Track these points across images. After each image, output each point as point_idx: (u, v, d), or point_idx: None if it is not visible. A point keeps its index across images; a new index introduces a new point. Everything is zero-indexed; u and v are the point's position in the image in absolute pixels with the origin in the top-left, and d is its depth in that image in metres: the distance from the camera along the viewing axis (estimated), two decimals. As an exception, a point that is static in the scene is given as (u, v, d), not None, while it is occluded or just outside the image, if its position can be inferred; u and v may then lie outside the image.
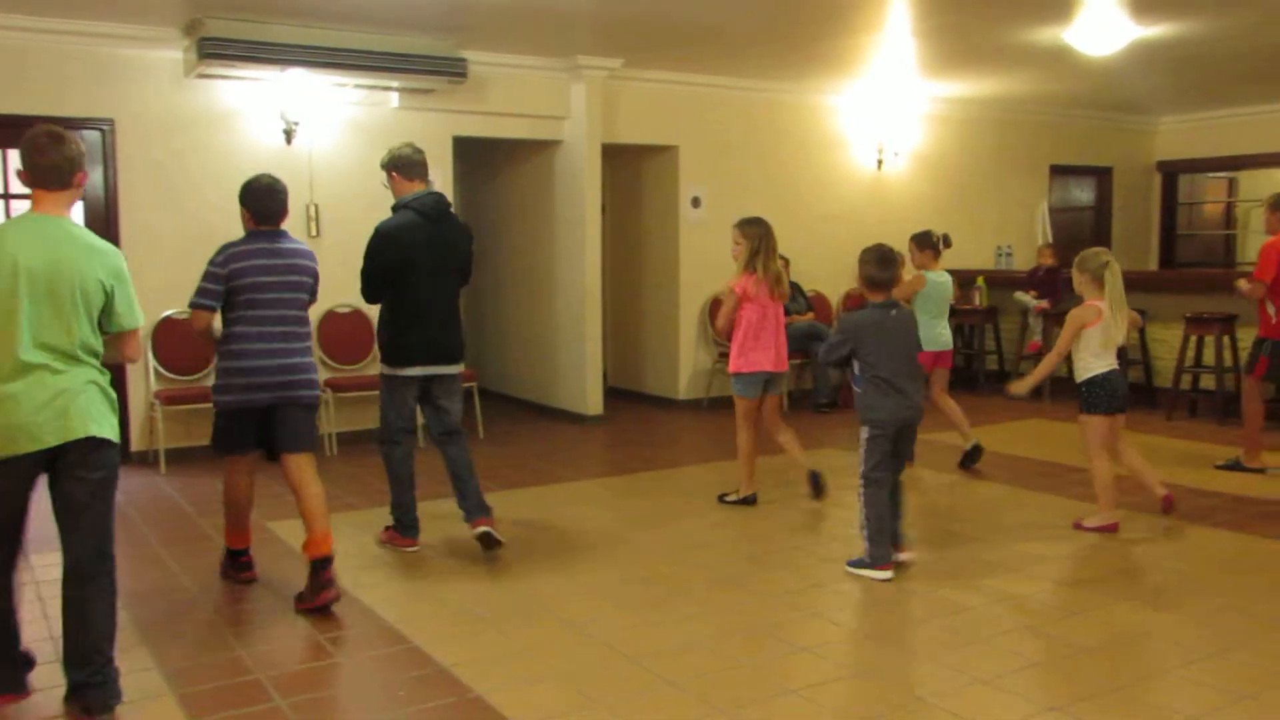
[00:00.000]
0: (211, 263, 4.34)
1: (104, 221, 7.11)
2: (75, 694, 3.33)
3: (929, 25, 7.53)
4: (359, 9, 6.81)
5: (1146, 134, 12.92)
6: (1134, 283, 6.39)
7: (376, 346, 5.80)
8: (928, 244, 6.78)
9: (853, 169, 10.54)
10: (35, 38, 6.88)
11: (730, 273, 10.07)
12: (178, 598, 4.60)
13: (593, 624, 4.19)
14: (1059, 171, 12.31)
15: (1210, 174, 13.30)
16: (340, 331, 7.95)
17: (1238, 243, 13.30)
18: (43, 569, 4.78)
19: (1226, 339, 8.42)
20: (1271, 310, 6.50)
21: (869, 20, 7.39)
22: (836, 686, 3.62)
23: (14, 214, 4.96)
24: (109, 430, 3.32)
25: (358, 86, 7.74)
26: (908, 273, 6.59)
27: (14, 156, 4.47)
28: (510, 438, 8.12)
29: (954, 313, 7.54)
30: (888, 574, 4.68)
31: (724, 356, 9.60)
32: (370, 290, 5.01)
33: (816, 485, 6.03)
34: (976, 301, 10.27)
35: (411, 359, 4.93)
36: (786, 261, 9.44)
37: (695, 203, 9.66)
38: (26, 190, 3.42)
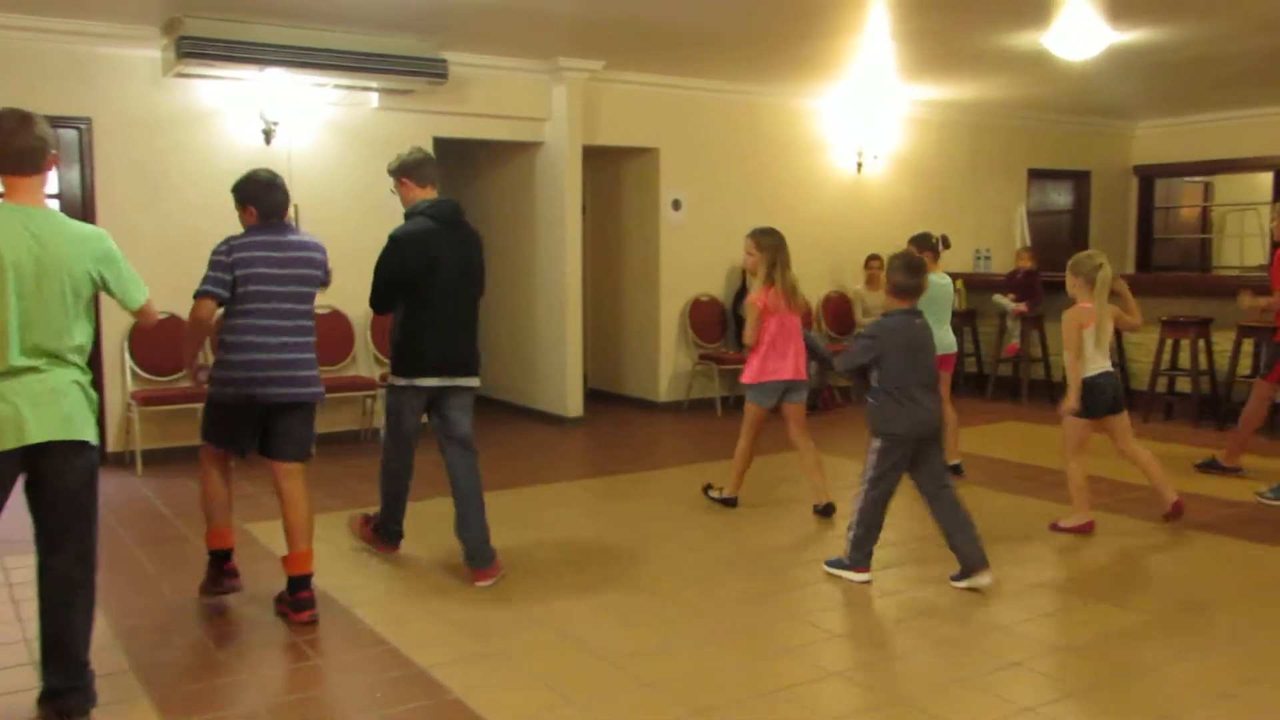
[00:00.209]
0: (216, 252, 4.17)
1: (80, 220, 7.02)
2: (50, 697, 3.29)
3: (908, 29, 7.58)
4: (339, 9, 6.79)
5: (1123, 138, 13.02)
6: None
7: (382, 353, 5.60)
8: (927, 246, 6.67)
9: (833, 172, 10.58)
10: (12, 35, 6.83)
11: (711, 275, 10.13)
12: (154, 600, 4.57)
13: (571, 625, 4.19)
14: (1037, 175, 12.39)
15: (1186, 178, 13.42)
16: (318, 332, 7.88)
17: (1213, 247, 13.42)
18: (16, 571, 4.75)
19: (1202, 342, 8.50)
20: None
21: (849, 24, 7.42)
22: (815, 687, 3.63)
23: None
24: (91, 434, 3.27)
25: (337, 87, 7.72)
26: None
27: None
28: (489, 439, 8.07)
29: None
30: (866, 576, 4.67)
31: (705, 358, 9.65)
32: (382, 299, 4.71)
33: (824, 513, 5.84)
34: (955, 304, 10.31)
35: (422, 370, 4.67)
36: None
37: (676, 205, 9.67)
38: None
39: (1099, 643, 4.03)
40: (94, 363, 7.06)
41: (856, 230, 10.63)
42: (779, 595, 4.60)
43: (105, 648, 3.92)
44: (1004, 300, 10.03)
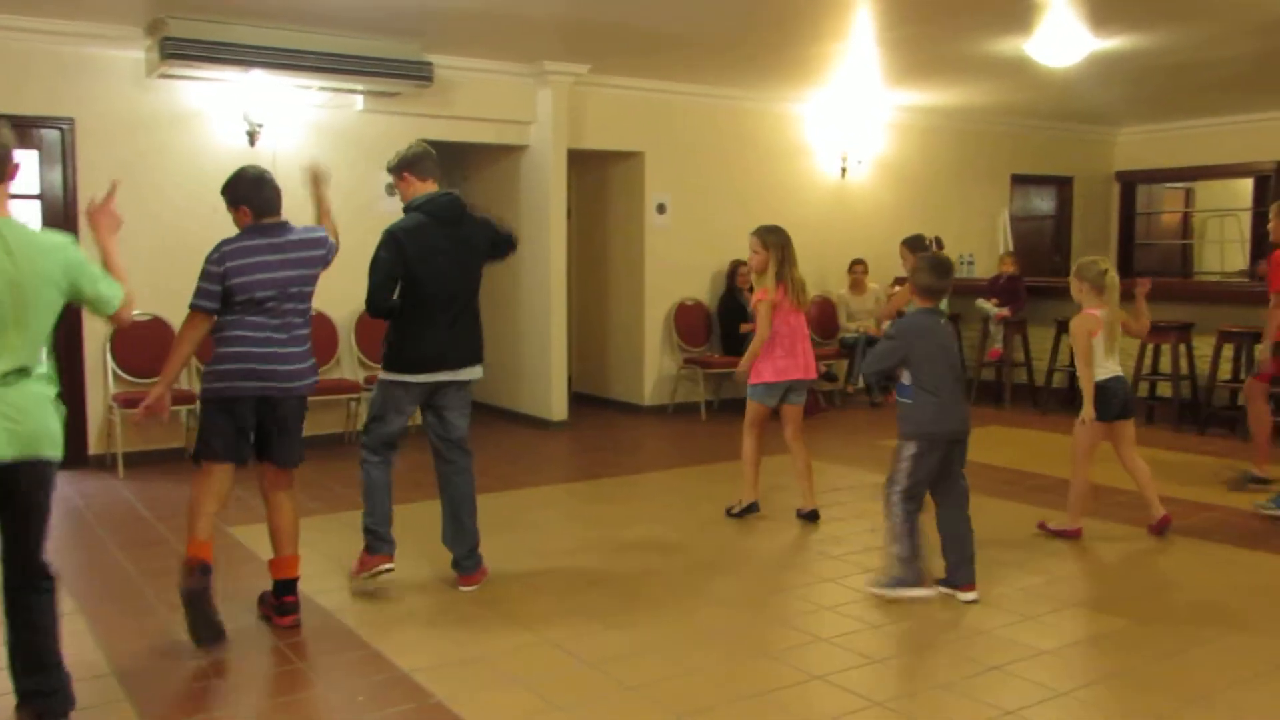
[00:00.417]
0: (208, 259, 4.06)
1: (62, 222, 7.01)
2: (26, 702, 3.27)
3: (893, 35, 7.61)
4: (323, 11, 6.78)
5: (1105, 144, 13.11)
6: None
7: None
8: (921, 247, 6.66)
9: (817, 177, 10.61)
10: (-6, 35, 6.81)
11: (696, 279, 10.13)
12: (135, 603, 4.55)
13: (553, 629, 4.19)
14: (1020, 181, 12.46)
15: (1167, 184, 13.51)
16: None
17: (1194, 252, 13.52)
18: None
19: (1183, 347, 8.56)
20: None
21: (834, 29, 7.45)
22: (794, 691, 3.64)
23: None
24: (60, 449, 3.24)
25: (322, 89, 7.71)
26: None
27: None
28: (473, 443, 8.06)
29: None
30: (930, 590, 4.45)
31: (690, 362, 9.66)
32: (379, 299, 4.51)
33: (809, 518, 5.83)
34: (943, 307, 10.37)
35: (410, 365, 4.55)
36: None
37: (660, 209, 9.69)
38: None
39: (1081, 647, 4.06)
40: (75, 364, 7.11)
41: (841, 235, 10.67)
42: (763, 599, 4.61)
43: (86, 651, 3.90)
44: (987, 305, 10.08)
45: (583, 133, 9.09)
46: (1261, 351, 6.40)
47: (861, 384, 10.11)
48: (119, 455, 7.13)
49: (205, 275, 4.04)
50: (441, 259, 4.53)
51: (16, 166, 3.18)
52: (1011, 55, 8.08)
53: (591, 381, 10.43)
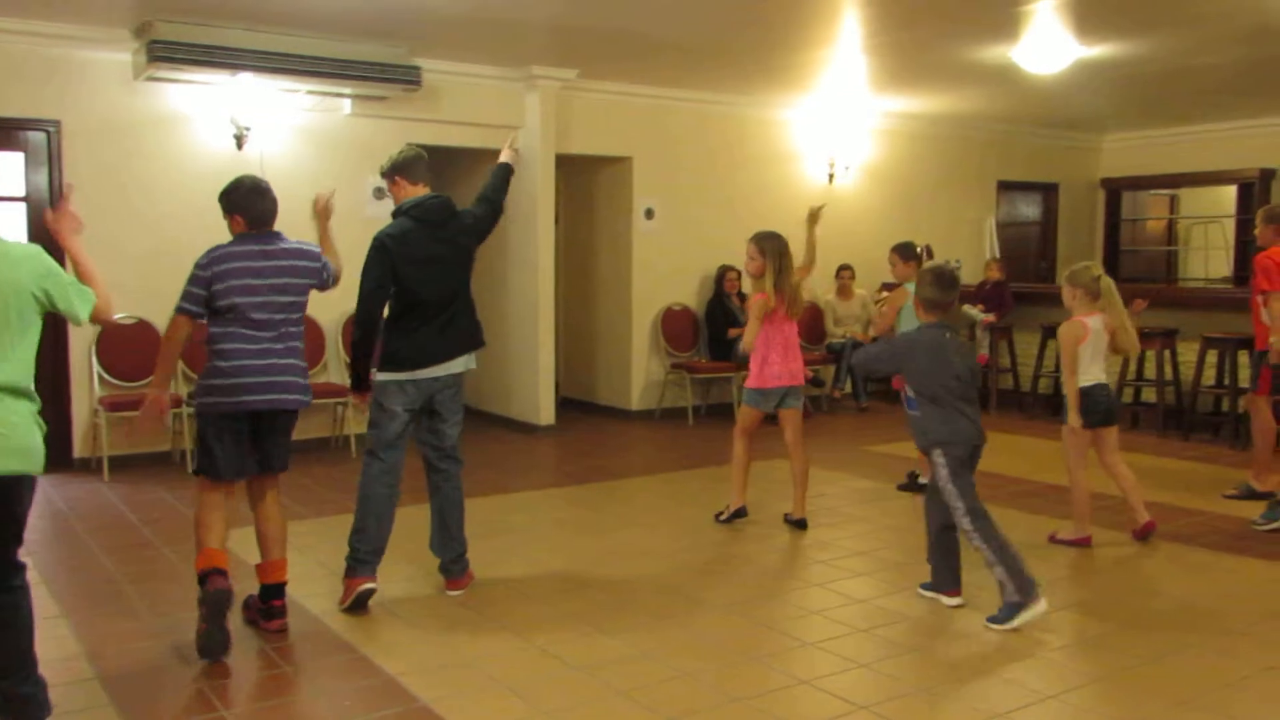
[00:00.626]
0: (196, 264, 4.07)
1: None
2: (3, 706, 3.24)
3: (880, 42, 7.64)
4: (312, 15, 6.76)
5: (1091, 151, 13.18)
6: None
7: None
8: (911, 255, 6.66)
9: (804, 182, 10.63)
10: (-21, 37, 6.78)
11: (684, 284, 10.13)
12: (119, 606, 4.52)
13: (541, 634, 4.18)
14: (1006, 187, 12.52)
15: (1152, 191, 13.60)
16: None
17: (1179, 259, 13.60)
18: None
19: (1167, 353, 8.61)
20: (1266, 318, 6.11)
21: (821, 36, 7.48)
22: (782, 696, 3.64)
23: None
24: (41, 466, 3.22)
25: (310, 93, 7.69)
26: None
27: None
28: (461, 447, 8.05)
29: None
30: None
31: (677, 367, 9.67)
32: (370, 306, 4.47)
33: (797, 525, 5.82)
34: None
35: (402, 364, 4.52)
36: (738, 273, 9.52)
37: (649, 214, 9.69)
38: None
39: (1068, 650, 4.08)
40: (60, 368, 7.08)
41: (828, 240, 10.56)
42: (751, 604, 4.61)
43: (71, 656, 3.88)
44: (973, 311, 10.10)
45: (570, 137, 9.09)
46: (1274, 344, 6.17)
47: (849, 388, 10.14)
48: (104, 459, 7.09)
49: (192, 279, 4.05)
50: (430, 263, 4.53)
51: None
52: (998, 62, 8.12)
53: (579, 386, 10.42)
